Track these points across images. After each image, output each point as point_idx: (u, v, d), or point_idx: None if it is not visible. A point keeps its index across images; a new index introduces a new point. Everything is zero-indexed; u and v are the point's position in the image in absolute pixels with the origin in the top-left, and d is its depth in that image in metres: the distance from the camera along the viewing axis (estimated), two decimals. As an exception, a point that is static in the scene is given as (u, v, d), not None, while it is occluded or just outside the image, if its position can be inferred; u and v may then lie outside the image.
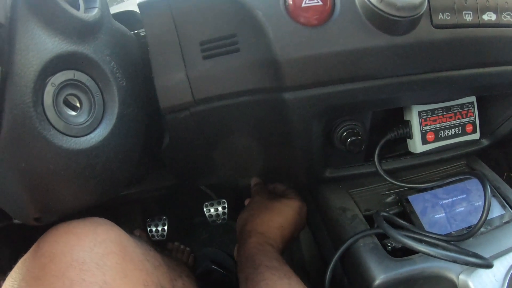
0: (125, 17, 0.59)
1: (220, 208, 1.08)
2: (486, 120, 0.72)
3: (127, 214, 1.04)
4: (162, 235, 1.07)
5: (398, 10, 0.45)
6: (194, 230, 1.18)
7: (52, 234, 0.45)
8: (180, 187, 0.86)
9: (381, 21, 0.46)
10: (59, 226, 0.45)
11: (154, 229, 1.06)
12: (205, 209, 1.08)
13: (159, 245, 1.07)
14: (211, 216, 1.09)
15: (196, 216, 1.17)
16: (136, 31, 0.59)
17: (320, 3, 0.46)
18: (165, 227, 1.07)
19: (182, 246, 1.11)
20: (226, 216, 1.10)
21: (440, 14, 0.49)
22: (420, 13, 0.46)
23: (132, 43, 0.54)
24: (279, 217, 0.69)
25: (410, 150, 0.69)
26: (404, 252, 0.59)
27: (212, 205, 1.09)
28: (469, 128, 0.70)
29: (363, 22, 0.47)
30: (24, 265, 0.43)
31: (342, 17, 0.47)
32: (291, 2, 0.46)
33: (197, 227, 1.18)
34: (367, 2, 0.45)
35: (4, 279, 0.44)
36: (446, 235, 0.62)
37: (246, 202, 0.82)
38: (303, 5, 0.46)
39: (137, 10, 0.49)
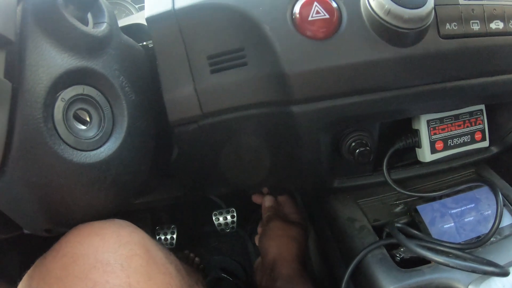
0: (133, 29, 0.59)
1: (229, 217, 1.08)
2: (495, 127, 0.72)
3: (136, 223, 1.04)
4: (171, 244, 1.07)
5: (405, 22, 0.45)
6: (203, 239, 1.18)
7: (74, 235, 0.44)
8: (189, 196, 0.86)
9: (388, 33, 0.46)
10: (81, 227, 0.45)
11: (163, 237, 1.06)
12: (214, 218, 1.09)
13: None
14: (220, 224, 1.09)
15: (205, 225, 1.17)
16: (144, 43, 0.59)
17: (327, 16, 0.46)
18: (174, 236, 1.07)
19: (192, 255, 1.11)
20: (235, 225, 1.10)
21: (447, 24, 0.49)
22: (427, 24, 0.46)
23: (140, 57, 0.55)
24: (298, 244, 0.77)
25: (419, 159, 0.69)
26: (413, 263, 0.59)
27: (221, 213, 1.09)
28: (478, 136, 0.69)
29: (370, 34, 0.47)
30: (44, 265, 0.43)
31: (349, 30, 0.47)
32: (298, 16, 0.46)
33: (206, 235, 1.18)
34: (374, 14, 0.45)
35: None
36: (458, 244, 0.61)
37: (259, 229, 0.89)
38: (309, 18, 0.46)
39: (145, 23, 0.50)
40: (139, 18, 0.61)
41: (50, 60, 0.40)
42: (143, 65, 0.55)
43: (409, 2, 0.44)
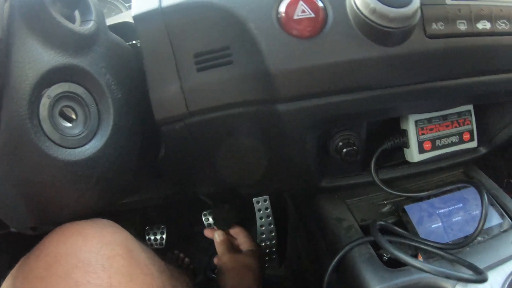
0: (122, 28, 0.59)
1: (218, 217, 1.08)
2: (483, 128, 0.72)
3: (125, 222, 1.04)
4: (161, 244, 1.07)
5: (391, 21, 0.45)
6: (193, 239, 1.18)
7: (57, 234, 0.44)
8: (178, 196, 0.86)
9: (374, 32, 0.46)
10: (65, 226, 0.45)
11: (152, 237, 1.06)
12: (203, 218, 1.09)
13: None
14: (210, 224, 1.09)
15: (195, 225, 1.17)
16: (133, 42, 0.59)
17: (312, 15, 0.46)
18: (164, 236, 1.07)
19: (181, 255, 1.11)
20: (225, 225, 1.09)
21: (434, 24, 0.49)
22: (413, 24, 0.46)
23: (128, 55, 0.55)
24: (252, 272, 0.80)
25: (407, 159, 0.69)
26: (401, 263, 0.59)
27: (210, 213, 1.09)
28: (466, 136, 0.69)
29: (356, 33, 0.47)
30: (27, 264, 0.43)
31: (335, 28, 0.47)
32: (283, 15, 0.46)
33: (196, 236, 1.18)
34: (359, 13, 0.45)
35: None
36: (442, 243, 0.62)
37: (216, 260, 0.91)
38: (295, 17, 0.46)
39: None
40: (128, 16, 0.61)
41: (36, 57, 0.40)
42: (131, 64, 0.55)
43: (394, 1, 0.44)
